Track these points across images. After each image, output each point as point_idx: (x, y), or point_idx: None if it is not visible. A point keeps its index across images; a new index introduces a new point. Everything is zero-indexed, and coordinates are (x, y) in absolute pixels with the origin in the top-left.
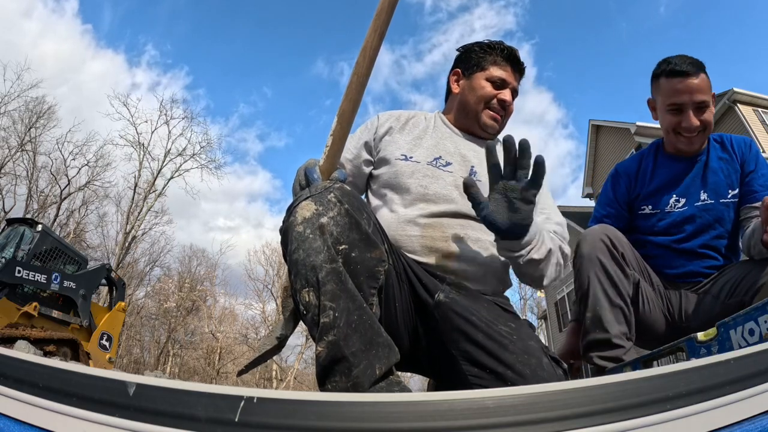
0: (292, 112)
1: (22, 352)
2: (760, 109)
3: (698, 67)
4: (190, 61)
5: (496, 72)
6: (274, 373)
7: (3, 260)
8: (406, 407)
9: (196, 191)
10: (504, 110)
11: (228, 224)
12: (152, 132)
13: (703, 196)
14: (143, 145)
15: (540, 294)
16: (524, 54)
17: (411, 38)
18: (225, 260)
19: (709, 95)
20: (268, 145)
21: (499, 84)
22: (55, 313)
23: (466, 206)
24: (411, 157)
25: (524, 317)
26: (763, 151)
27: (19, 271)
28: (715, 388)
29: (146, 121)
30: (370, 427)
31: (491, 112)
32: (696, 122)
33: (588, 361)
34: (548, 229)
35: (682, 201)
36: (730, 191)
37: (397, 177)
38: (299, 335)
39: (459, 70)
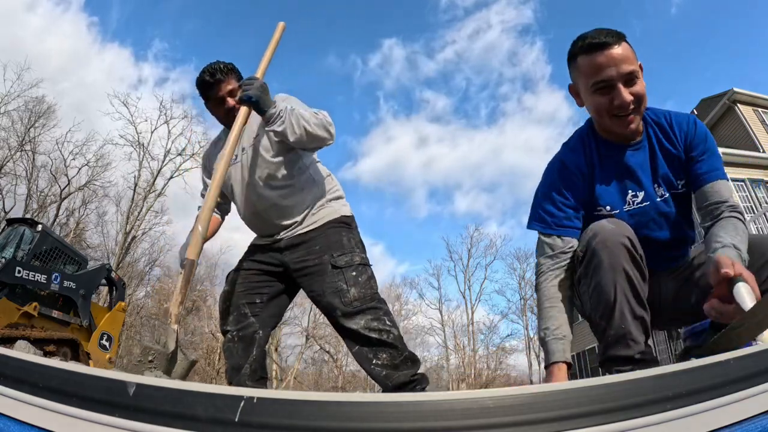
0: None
1: (22, 352)
2: (760, 109)
3: (618, 36)
4: (200, 55)
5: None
6: (274, 373)
7: (3, 260)
8: (406, 407)
9: (197, 190)
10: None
11: (235, 223)
12: (152, 132)
13: (657, 188)
14: (143, 144)
15: None
16: (538, 51)
17: (422, 36)
18: (226, 260)
19: (635, 65)
20: None
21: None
22: (55, 313)
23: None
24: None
25: (525, 317)
26: (763, 152)
27: (19, 271)
28: (715, 388)
29: (146, 120)
30: (370, 427)
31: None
32: (629, 97)
33: (607, 370)
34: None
35: (640, 195)
36: (678, 182)
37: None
38: (299, 335)
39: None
